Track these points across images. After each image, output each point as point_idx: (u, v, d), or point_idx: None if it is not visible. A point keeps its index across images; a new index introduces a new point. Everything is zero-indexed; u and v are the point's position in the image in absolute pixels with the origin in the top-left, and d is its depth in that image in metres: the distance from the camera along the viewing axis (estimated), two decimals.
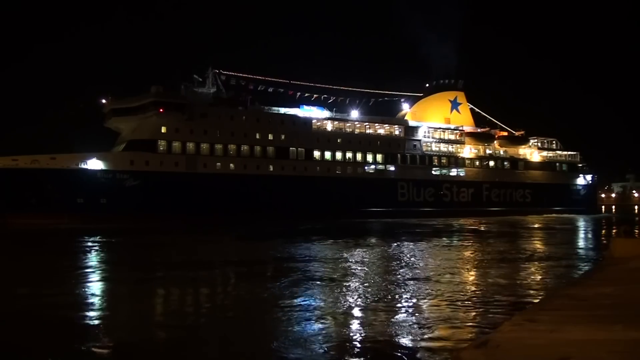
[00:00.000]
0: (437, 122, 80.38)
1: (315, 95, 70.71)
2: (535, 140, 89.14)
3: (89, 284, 18.53)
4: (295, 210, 59.10)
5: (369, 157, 72.09)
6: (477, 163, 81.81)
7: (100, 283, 19.20)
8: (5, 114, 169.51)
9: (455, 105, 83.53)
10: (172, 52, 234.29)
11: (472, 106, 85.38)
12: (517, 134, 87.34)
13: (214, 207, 56.35)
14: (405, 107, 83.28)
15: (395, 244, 31.91)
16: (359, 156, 71.14)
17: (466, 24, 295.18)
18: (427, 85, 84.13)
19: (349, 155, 70.44)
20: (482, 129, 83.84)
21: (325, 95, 71.40)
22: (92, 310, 14.30)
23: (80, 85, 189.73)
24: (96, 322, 13.04)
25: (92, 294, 16.64)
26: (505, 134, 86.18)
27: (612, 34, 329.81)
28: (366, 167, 71.92)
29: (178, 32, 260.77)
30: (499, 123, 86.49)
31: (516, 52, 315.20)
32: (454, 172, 79.12)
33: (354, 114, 73.06)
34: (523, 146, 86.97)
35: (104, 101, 63.18)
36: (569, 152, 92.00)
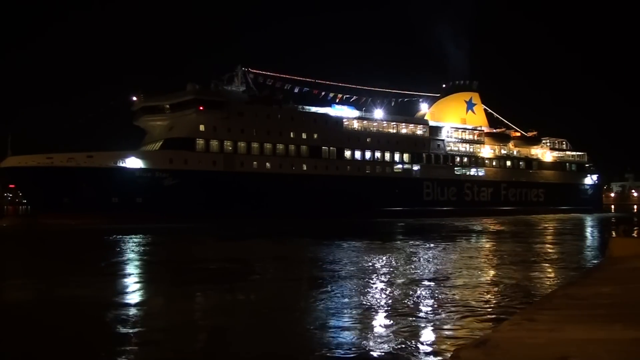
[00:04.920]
0: (454, 122, 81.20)
1: (339, 95, 70.60)
2: (547, 141, 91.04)
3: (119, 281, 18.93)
4: (327, 209, 58.76)
5: (396, 157, 72.33)
6: (495, 163, 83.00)
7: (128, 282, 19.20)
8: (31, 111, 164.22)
9: (470, 105, 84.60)
10: (189, 50, 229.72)
11: (485, 107, 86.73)
12: (529, 134, 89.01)
13: (252, 207, 55.60)
14: (423, 107, 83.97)
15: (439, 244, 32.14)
16: (387, 155, 71.25)
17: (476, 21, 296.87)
18: (444, 85, 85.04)
19: (377, 154, 70.46)
20: (499, 130, 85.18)
21: (348, 95, 71.39)
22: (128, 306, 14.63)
23: (97, 83, 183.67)
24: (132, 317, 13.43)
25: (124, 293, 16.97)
26: (519, 134, 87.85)
27: (613, 33, 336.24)
28: (394, 167, 72.21)
29: (193, 29, 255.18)
30: (510, 124, 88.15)
31: (517, 50, 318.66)
32: (473, 171, 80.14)
33: (378, 113, 73.13)
34: (536, 146, 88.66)
35: (134, 99, 61.63)
36: (578, 153, 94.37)
